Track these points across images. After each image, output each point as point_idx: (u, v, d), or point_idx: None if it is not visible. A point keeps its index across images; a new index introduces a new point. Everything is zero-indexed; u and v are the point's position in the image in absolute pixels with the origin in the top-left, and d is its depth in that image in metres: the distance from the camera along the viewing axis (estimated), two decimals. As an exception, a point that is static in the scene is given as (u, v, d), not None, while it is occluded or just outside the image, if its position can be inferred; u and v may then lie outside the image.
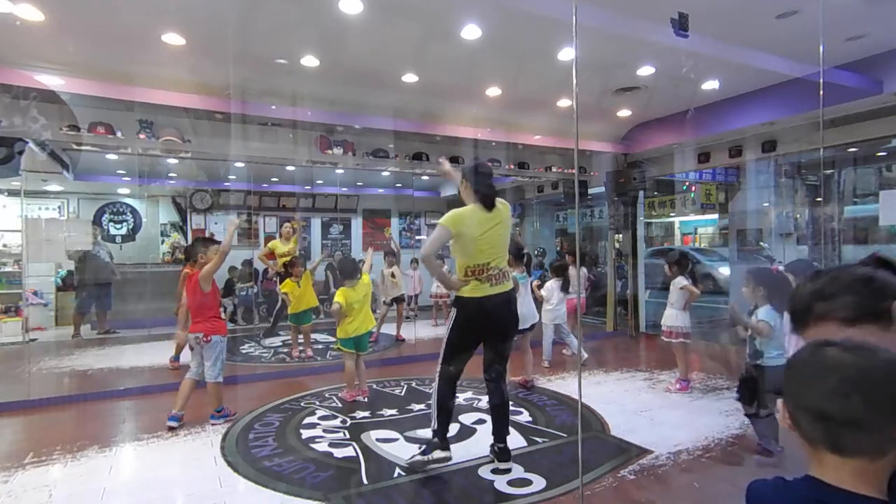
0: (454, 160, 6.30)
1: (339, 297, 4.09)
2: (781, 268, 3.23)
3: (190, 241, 3.86)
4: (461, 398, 4.20)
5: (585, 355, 5.83)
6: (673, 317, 4.39)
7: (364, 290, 4.21)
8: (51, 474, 2.91)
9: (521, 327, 4.37)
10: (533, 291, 5.04)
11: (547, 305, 5.35)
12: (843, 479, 0.75)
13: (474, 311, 2.84)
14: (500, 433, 2.97)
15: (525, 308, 4.42)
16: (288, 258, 6.17)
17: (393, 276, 6.49)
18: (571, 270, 5.76)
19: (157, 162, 6.93)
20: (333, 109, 5.27)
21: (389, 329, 6.79)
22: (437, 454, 2.85)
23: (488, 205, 2.85)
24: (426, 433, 3.19)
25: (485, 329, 2.91)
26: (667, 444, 3.25)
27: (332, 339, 5.63)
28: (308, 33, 3.80)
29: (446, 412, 2.91)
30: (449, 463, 2.95)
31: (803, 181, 7.49)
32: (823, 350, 0.78)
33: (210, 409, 3.71)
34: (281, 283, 6.05)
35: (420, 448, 2.94)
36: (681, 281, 4.37)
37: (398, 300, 6.62)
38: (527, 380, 4.54)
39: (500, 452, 2.94)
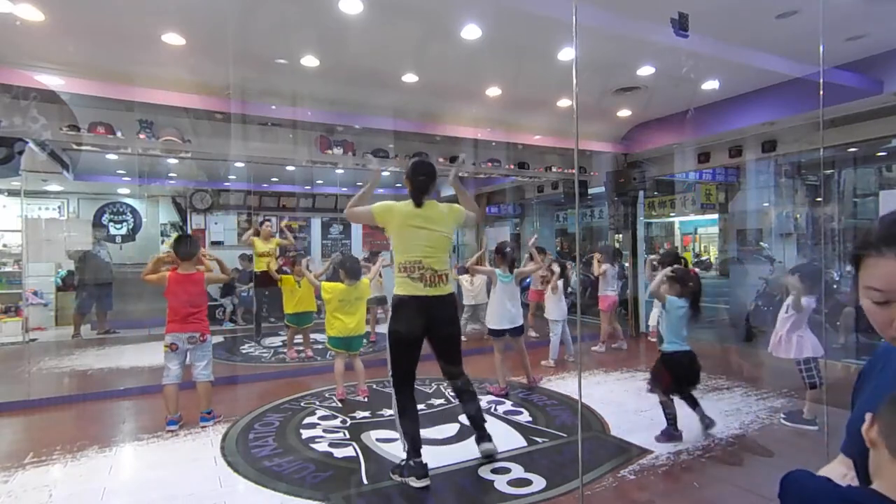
0: (454, 160, 6.29)
1: (326, 290, 4.10)
2: (697, 271, 3.51)
3: (181, 238, 3.82)
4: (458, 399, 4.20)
5: (625, 346, 6.11)
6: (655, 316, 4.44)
7: (359, 293, 4.20)
8: (51, 474, 2.91)
9: (507, 327, 4.37)
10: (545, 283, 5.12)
11: (550, 304, 5.40)
12: None
13: (404, 310, 2.78)
14: (480, 433, 3.01)
15: (513, 308, 4.40)
16: (267, 259, 6.15)
17: (380, 275, 6.46)
18: (608, 269, 5.87)
19: (157, 162, 6.93)
20: (333, 109, 5.27)
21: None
22: (413, 482, 2.68)
23: (416, 201, 2.82)
24: (423, 433, 3.19)
25: (417, 330, 2.79)
26: (667, 444, 3.25)
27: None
28: (308, 33, 3.80)
29: (411, 426, 2.78)
30: (448, 465, 2.96)
31: (803, 181, 7.48)
32: None
33: (199, 410, 3.69)
34: (257, 285, 6.05)
35: (400, 461, 2.84)
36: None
37: (380, 301, 6.60)
38: (532, 380, 4.54)
39: (483, 437, 3.00)
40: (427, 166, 2.88)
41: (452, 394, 4.30)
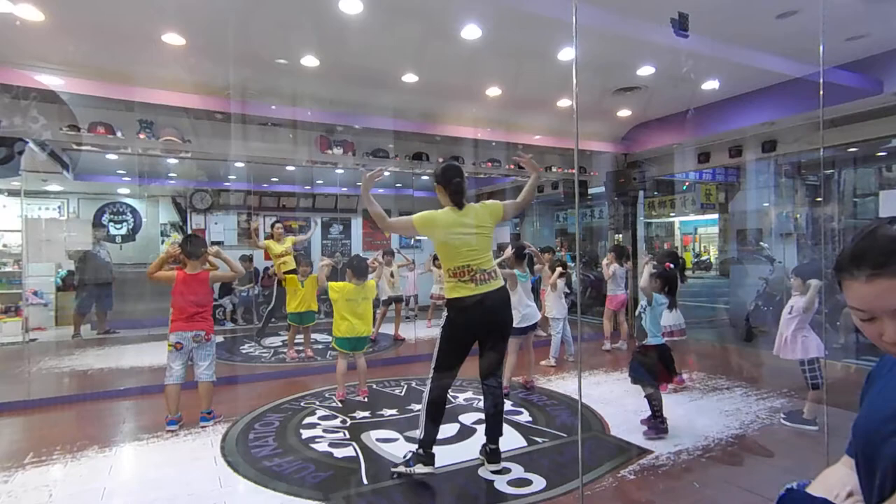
0: (454, 160, 6.31)
1: (333, 290, 4.10)
2: (671, 266, 3.61)
3: (188, 238, 3.85)
4: (461, 398, 4.20)
5: (625, 346, 6.17)
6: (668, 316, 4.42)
7: (366, 293, 4.20)
8: (51, 474, 2.91)
9: (523, 325, 4.37)
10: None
11: (550, 302, 5.41)
12: None
13: (461, 312, 2.81)
14: (493, 435, 2.95)
15: (527, 307, 4.41)
16: (285, 258, 6.13)
17: (391, 275, 6.49)
18: (615, 268, 5.90)
19: (157, 162, 6.93)
20: (333, 109, 5.28)
21: (389, 329, 6.79)
22: (420, 469, 2.73)
23: (458, 204, 2.86)
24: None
25: (474, 330, 2.86)
26: (667, 444, 3.25)
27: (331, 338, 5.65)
28: (308, 33, 3.80)
29: (434, 421, 2.81)
30: (448, 465, 2.96)
31: (803, 181, 7.49)
32: None
33: (200, 410, 3.68)
34: (279, 286, 6.05)
35: (405, 457, 2.86)
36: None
37: (396, 300, 6.63)
38: (528, 380, 4.54)
39: (492, 454, 2.92)
40: (458, 169, 2.94)
41: (454, 394, 4.31)
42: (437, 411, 2.82)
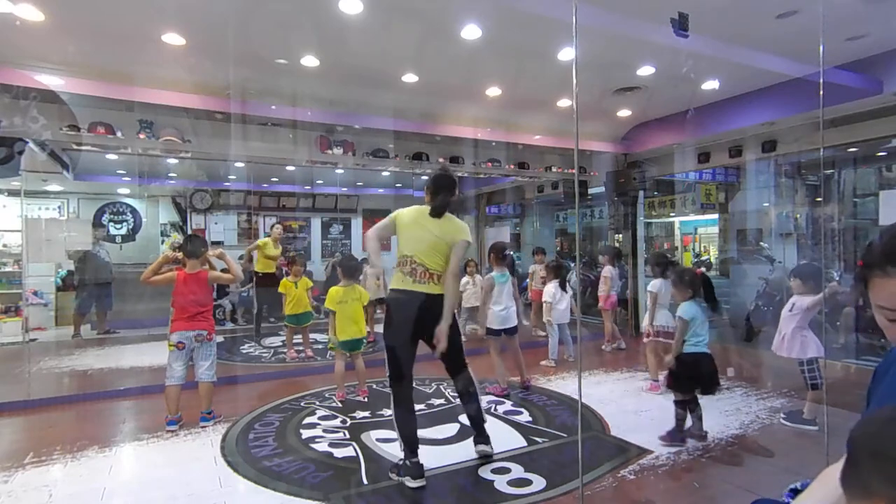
0: (454, 160, 6.31)
1: (328, 301, 4.11)
2: (703, 269, 3.40)
3: (188, 238, 3.85)
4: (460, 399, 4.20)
5: (623, 345, 6.16)
6: (660, 315, 4.41)
7: (356, 295, 4.19)
8: (51, 474, 2.91)
9: (500, 327, 4.37)
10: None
11: (549, 305, 5.39)
12: None
13: (396, 304, 2.82)
14: (478, 435, 3.04)
15: (506, 309, 4.39)
16: (270, 261, 6.19)
17: (378, 277, 6.46)
18: (610, 270, 5.88)
19: (157, 162, 6.94)
20: (333, 109, 5.27)
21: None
22: (409, 482, 2.70)
23: (436, 213, 2.86)
24: (423, 433, 3.19)
25: (409, 325, 2.79)
26: (668, 446, 3.25)
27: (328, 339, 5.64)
28: (308, 33, 3.80)
29: (407, 429, 2.78)
30: (448, 465, 2.96)
31: (803, 181, 7.49)
32: None
33: (200, 410, 3.68)
34: (257, 285, 6.09)
35: (398, 460, 2.85)
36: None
37: (382, 301, 6.61)
38: (525, 380, 4.54)
39: (481, 437, 3.04)
40: (449, 184, 2.90)
41: (453, 394, 4.31)
42: (407, 416, 2.80)
